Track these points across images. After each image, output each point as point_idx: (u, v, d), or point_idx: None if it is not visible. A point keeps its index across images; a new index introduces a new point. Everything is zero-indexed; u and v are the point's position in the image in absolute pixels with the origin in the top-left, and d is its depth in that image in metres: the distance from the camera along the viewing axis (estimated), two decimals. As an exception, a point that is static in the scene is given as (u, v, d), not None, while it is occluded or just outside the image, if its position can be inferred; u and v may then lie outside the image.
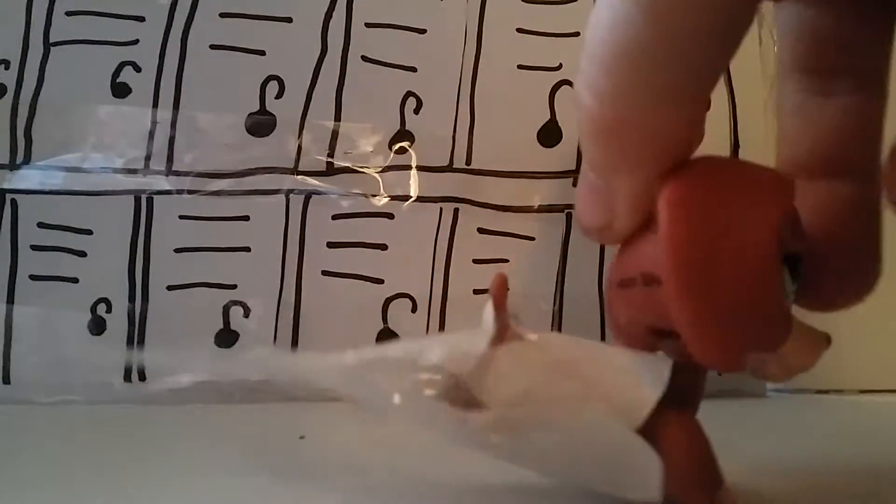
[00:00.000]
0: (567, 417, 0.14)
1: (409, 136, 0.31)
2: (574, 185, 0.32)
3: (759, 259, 0.13)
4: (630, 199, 0.14)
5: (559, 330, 0.31)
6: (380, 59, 0.32)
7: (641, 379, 0.14)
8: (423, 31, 0.32)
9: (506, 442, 0.14)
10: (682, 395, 0.15)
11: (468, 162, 0.32)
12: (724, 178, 0.14)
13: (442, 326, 0.31)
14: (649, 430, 0.14)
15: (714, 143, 0.33)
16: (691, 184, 0.14)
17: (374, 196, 0.31)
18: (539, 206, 0.31)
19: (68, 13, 0.31)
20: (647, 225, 0.15)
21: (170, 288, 0.30)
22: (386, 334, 0.30)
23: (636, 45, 0.13)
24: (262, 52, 0.31)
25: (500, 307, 0.15)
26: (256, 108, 0.31)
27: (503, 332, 0.15)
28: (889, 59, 0.15)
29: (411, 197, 0.31)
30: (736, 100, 0.33)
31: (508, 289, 0.16)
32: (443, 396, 0.14)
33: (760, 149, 0.33)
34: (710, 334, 0.13)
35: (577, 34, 0.32)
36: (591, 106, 0.14)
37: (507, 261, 0.31)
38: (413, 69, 0.32)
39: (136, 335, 0.30)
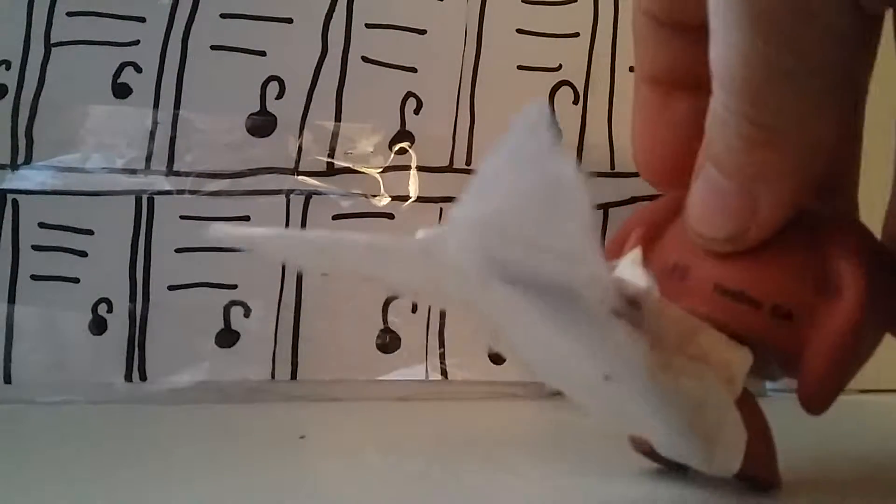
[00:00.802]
0: (699, 369, 0.14)
1: (409, 137, 0.32)
2: (574, 185, 0.32)
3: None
4: (777, 208, 0.14)
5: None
6: (380, 60, 0.32)
7: (733, 359, 0.15)
8: (423, 32, 0.32)
9: (655, 386, 0.13)
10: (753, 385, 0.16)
11: (468, 162, 0.32)
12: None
13: (442, 326, 0.31)
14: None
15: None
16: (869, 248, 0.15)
17: (375, 196, 0.31)
18: (539, 206, 0.31)
19: (69, 14, 0.31)
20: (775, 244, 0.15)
21: (171, 288, 0.30)
22: (386, 334, 0.31)
23: (765, 60, 0.13)
24: (263, 53, 0.31)
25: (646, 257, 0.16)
26: (257, 108, 0.31)
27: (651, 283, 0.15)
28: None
29: (411, 197, 0.31)
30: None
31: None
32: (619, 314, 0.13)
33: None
34: (831, 391, 0.15)
35: (576, 34, 0.32)
36: (744, 114, 0.14)
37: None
38: (413, 69, 0.32)
39: (137, 335, 0.30)
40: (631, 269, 0.15)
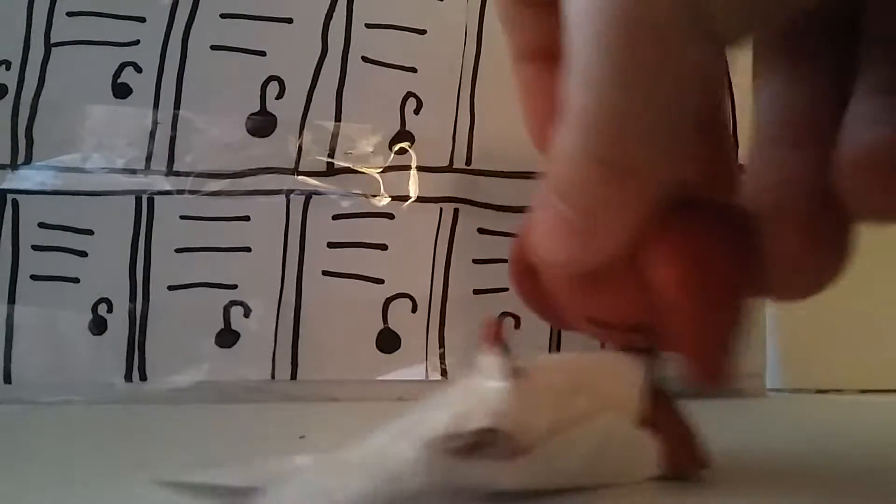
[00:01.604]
0: (588, 431, 0.15)
1: (409, 137, 0.32)
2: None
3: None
4: (617, 236, 0.15)
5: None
6: (380, 60, 0.32)
7: (625, 378, 0.16)
8: (423, 32, 0.32)
9: (540, 474, 0.15)
10: (656, 384, 0.16)
11: (468, 162, 0.32)
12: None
13: (442, 326, 0.31)
14: (642, 418, 0.16)
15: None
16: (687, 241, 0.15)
17: (375, 196, 0.31)
18: (539, 206, 0.31)
19: (69, 14, 0.31)
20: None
21: (171, 288, 0.30)
22: (386, 334, 0.31)
23: (615, 97, 0.13)
24: (263, 53, 0.31)
25: (505, 352, 0.16)
26: (257, 108, 0.31)
27: (516, 374, 0.15)
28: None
29: (411, 197, 0.31)
30: (734, 99, 0.33)
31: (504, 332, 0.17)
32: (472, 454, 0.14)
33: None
34: (710, 375, 0.15)
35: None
36: (593, 153, 0.14)
37: (507, 261, 0.31)
38: (413, 69, 0.32)
39: (137, 335, 0.30)
40: (489, 366, 0.16)
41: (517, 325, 0.31)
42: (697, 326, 0.15)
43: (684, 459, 0.16)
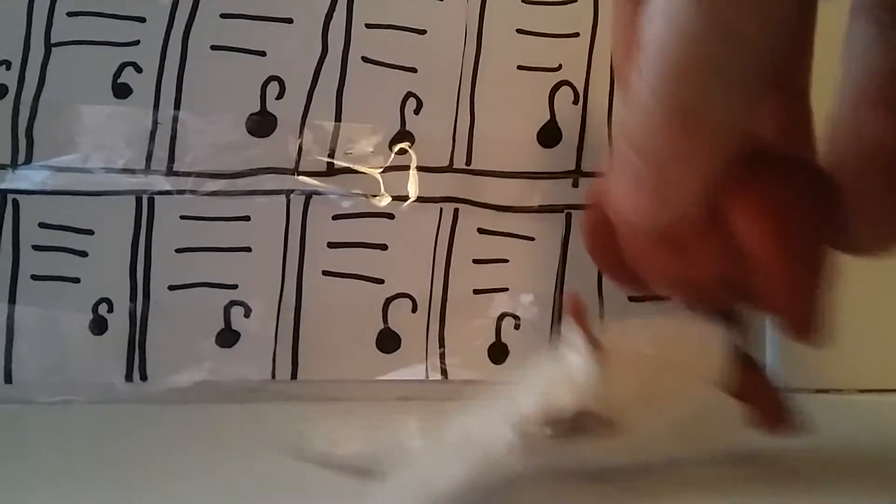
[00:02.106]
0: (679, 403, 0.15)
1: (409, 137, 0.32)
2: (574, 185, 0.32)
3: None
4: (694, 191, 0.14)
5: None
6: (380, 60, 0.32)
7: (710, 346, 0.16)
8: (423, 32, 0.32)
9: (634, 449, 0.15)
10: (741, 349, 0.17)
11: (468, 162, 0.32)
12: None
13: (442, 326, 0.31)
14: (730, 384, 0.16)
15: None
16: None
17: (375, 196, 0.31)
18: (539, 206, 0.32)
19: (69, 14, 0.31)
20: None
21: (171, 288, 0.30)
22: (386, 334, 0.31)
23: (704, 49, 0.13)
24: (263, 53, 0.31)
25: (587, 329, 0.16)
26: (257, 108, 0.31)
27: (601, 349, 0.15)
28: None
29: (411, 197, 0.31)
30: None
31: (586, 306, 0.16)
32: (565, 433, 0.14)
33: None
34: (805, 324, 0.16)
35: (576, 34, 0.32)
36: (661, 100, 0.13)
37: (507, 261, 0.31)
38: (413, 70, 0.32)
39: (138, 335, 0.30)
40: (575, 352, 0.16)
41: (517, 327, 0.31)
42: (786, 280, 0.15)
43: (774, 423, 0.17)
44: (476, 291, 0.31)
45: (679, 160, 0.14)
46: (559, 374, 0.15)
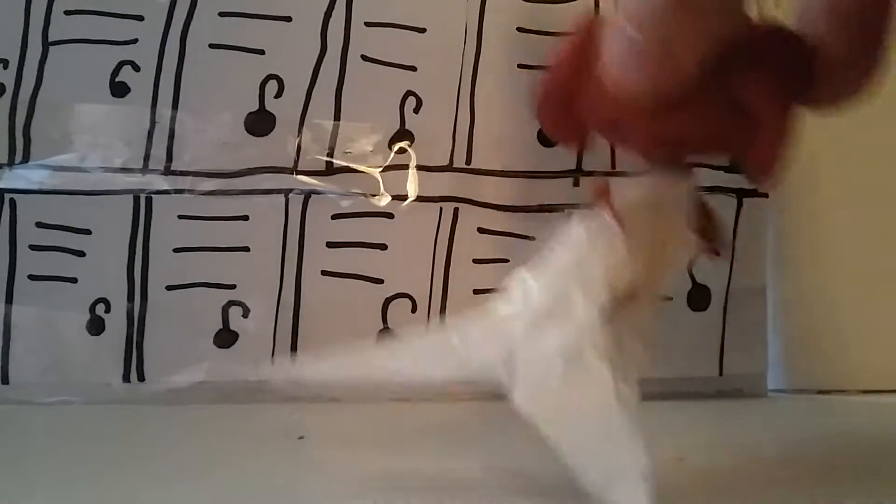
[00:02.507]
0: (675, 265, 0.19)
1: (408, 136, 0.31)
2: (574, 184, 0.32)
3: None
4: (691, 62, 0.15)
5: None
6: (379, 59, 0.32)
7: (684, 198, 0.19)
8: (422, 30, 0.32)
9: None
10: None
11: (468, 161, 0.32)
12: None
13: (442, 326, 0.31)
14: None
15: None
16: None
17: (374, 196, 0.31)
18: (539, 205, 0.31)
19: (67, 12, 0.31)
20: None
21: (169, 288, 0.30)
22: (386, 334, 0.30)
23: None
24: (262, 52, 0.31)
25: (615, 213, 0.18)
26: (255, 107, 0.31)
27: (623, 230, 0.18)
28: None
29: (411, 196, 0.31)
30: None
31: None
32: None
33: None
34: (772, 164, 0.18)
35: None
36: None
37: (507, 261, 0.31)
38: (413, 68, 0.32)
39: (135, 335, 0.30)
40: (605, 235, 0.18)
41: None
42: (777, 135, 0.17)
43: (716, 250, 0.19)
44: (476, 291, 0.31)
45: (679, 37, 0.15)
46: (606, 257, 0.18)
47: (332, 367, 0.20)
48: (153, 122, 0.31)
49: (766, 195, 0.32)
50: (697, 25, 0.15)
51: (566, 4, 0.33)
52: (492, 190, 0.31)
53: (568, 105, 0.18)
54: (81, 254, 0.30)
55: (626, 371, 0.17)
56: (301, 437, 0.24)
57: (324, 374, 0.20)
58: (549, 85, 0.19)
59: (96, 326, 0.30)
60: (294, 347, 0.30)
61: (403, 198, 0.31)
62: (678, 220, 0.18)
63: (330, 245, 0.31)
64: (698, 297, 0.32)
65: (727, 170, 0.32)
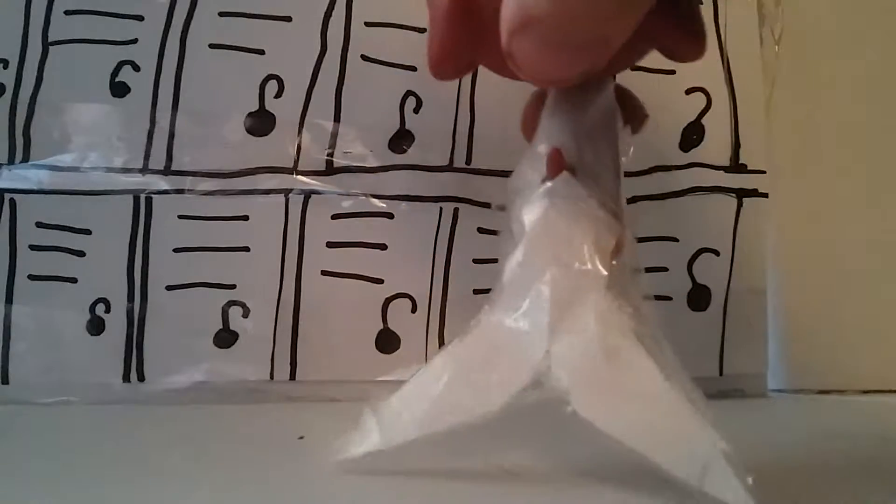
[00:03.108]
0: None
1: (408, 136, 0.31)
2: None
3: None
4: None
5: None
6: (379, 59, 0.32)
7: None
8: (422, 30, 0.32)
9: None
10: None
11: (468, 162, 0.32)
12: None
13: (442, 326, 0.31)
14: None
15: (715, 141, 0.33)
16: None
17: (374, 196, 0.31)
18: (539, 205, 0.31)
19: (67, 12, 0.31)
20: None
21: (169, 288, 0.30)
22: (386, 334, 0.30)
23: None
24: (262, 52, 0.31)
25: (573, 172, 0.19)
26: (256, 107, 0.31)
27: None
28: None
29: (411, 197, 0.31)
30: (737, 99, 0.33)
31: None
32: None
33: (761, 147, 0.33)
34: None
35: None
36: None
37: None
38: (413, 68, 0.32)
39: (135, 335, 0.30)
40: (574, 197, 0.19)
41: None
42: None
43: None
44: (476, 291, 0.31)
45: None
46: (591, 221, 0.19)
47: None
48: (153, 123, 0.31)
49: (765, 195, 0.32)
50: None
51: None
52: (492, 190, 0.31)
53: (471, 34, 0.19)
54: (81, 254, 0.30)
55: (657, 340, 0.17)
56: (301, 437, 0.24)
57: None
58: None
59: (96, 326, 0.30)
60: (294, 347, 0.30)
61: (403, 198, 0.31)
62: (613, 122, 0.20)
63: (330, 245, 0.31)
64: (698, 298, 0.32)
65: (727, 170, 0.32)
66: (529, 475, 0.20)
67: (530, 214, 0.19)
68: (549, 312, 0.18)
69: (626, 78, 0.33)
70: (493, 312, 0.19)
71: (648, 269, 0.32)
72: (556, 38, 0.16)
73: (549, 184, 0.19)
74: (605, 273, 0.18)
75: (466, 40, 0.19)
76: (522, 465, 0.20)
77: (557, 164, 0.19)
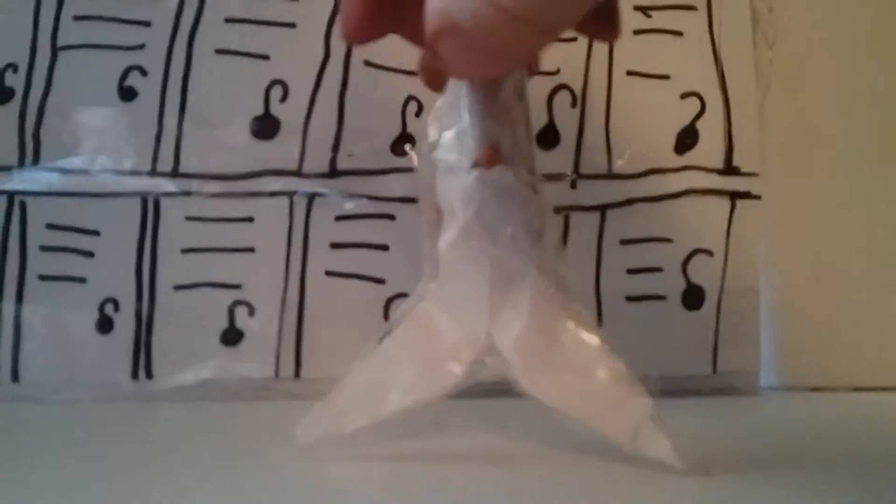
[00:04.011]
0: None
1: (410, 139, 0.32)
2: (573, 186, 0.32)
3: None
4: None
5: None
6: (382, 64, 0.32)
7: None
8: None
9: None
10: None
11: (468, 164, 0.32)
12: None
13: (443, 325, 0.31)
14: None
15: (709, 144, 0.34)
16: None
17: (377, 198, 0.31)
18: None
19: (76, 18, 0.32)
20: None
21: (176, 288, 0.30)
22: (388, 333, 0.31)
23: None
24: (267, 57, 0.32)
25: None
26: (261, 111, 0.32)
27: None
28: None
29: (413, 199, 0.31)
30: (730, 103, 0.33)
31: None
32: None
33: (754, 151, 0.33)
34: None
35: (574, 39, 0.32)
36: None
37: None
38: (415, 74, 0.32)
39: (144, 334, 0.30)
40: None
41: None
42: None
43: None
44: (476, 291, 0.31)
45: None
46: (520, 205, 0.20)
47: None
48: (160, 126, 0.31)
49: (758, 197, 0.33)
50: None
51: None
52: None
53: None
54: (91, 254, 0.30)
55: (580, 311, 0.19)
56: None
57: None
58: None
59: (105, 325, 0.30)
60: (299, 346, 0.31)
61: (405, 200, 0.31)
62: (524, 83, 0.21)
63: (333, 246, 0.31)
64: (692, 297, 0.32)
65: (721, 173, 0.33)
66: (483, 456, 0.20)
67: (464, 199, 0.20)
68: (490, 296, 0.19)
69: (623, 83, 0.33)
70: (432, 297, 0.21)
71: (644, 270, 0.32)
72: (479, 45, 0.16)
73: (479, 172, 0.20)
74: (537, 256, 0.19)
75: (387, 6, 0.19)
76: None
77: (492, 160, 0.20)
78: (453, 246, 0.20)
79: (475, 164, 0.20)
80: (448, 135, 0.21)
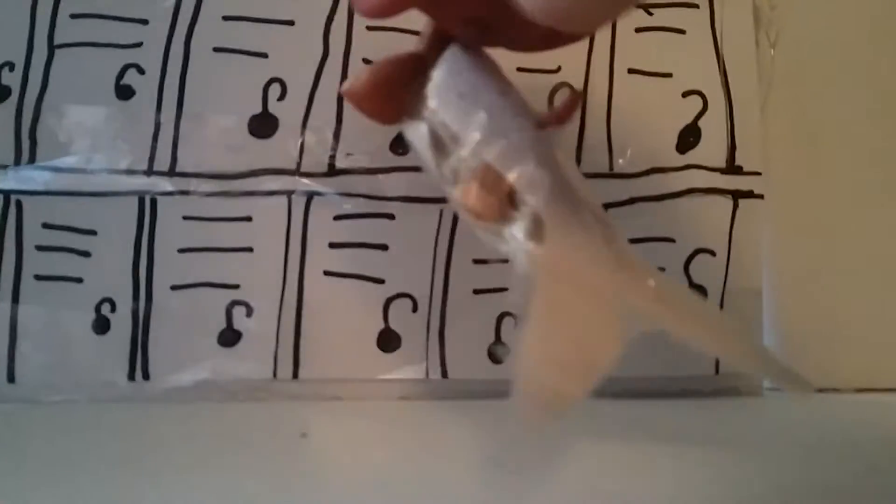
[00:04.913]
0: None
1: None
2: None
3: None
4: None
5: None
6: (381, 62, 0.32)
7: None
8: (423, 34, 0.32)
9: None
10: None
11: (468, 163, 0.32)
12: None
13: (442, 326, 0.31)
14: None
15: (711, 143, 0.34)
16: None
17: (376, 197, 0.31)
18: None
19: (72, 16, 0.32)
20: None
21: (173, 288, 0.30)
22: (387, 333, 0.31)
23: None
24: (265, 55, 0.32)
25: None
26: (259, 109, 0.31)
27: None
28: None
29: (412, 198, 0.31)
30: (733, 102, 0.33)
31: None
32: None
33: (756, 150, 0.33)
34: None
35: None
36: None
37: (507, 261, 0.31)
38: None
39: (140, 335, 0.30)
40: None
41: (517, 324, 0.31)
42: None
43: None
44: (476, 291, 0.31)
45: None
46: None
47: None
48: (158, 125, 0.31)
49: (761, 196, 0.33)
50: None
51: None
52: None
53: None
54: (87, 254, 0.30)
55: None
56: (304, 435, 0.24)
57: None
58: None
59: (102, 326, 0.30)
60: (297, 346, 0.30)
61: (405, 199, 0.31)
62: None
63: (332, 245, 0.31)
64: (695, 297, 0.32)
65: (723, 172, 0.33)
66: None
67: None
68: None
69: (624, 81, 0.33)
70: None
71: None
72: None
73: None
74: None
75: None
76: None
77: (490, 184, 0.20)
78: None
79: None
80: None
